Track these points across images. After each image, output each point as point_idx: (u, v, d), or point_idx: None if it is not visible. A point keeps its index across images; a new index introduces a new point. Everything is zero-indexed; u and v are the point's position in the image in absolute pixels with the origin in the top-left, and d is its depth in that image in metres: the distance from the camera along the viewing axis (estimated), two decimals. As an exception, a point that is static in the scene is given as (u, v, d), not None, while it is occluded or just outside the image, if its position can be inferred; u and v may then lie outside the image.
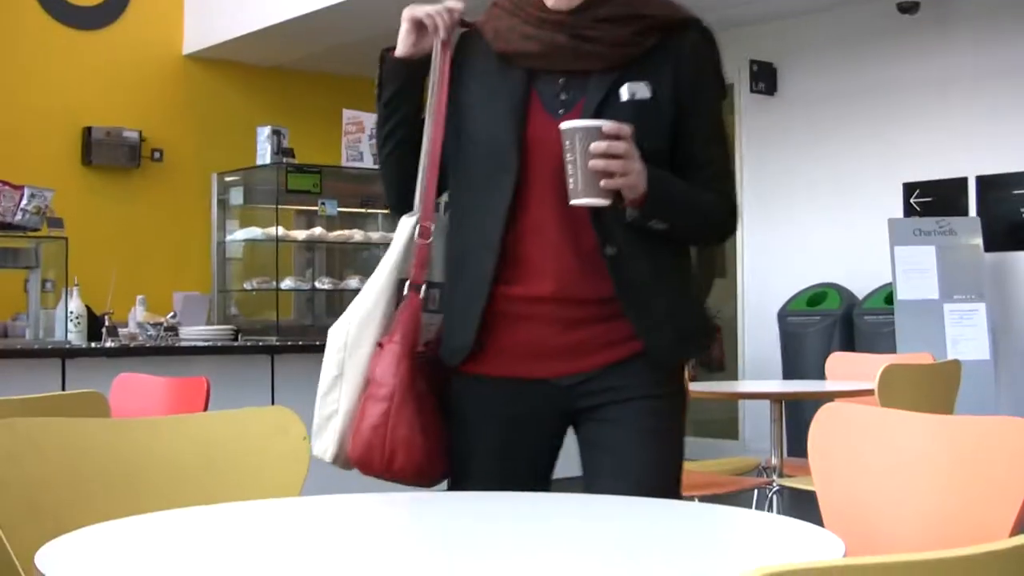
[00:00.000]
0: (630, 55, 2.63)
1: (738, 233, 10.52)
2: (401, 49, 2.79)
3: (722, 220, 2.73)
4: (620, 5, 2.65)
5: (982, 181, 9.06)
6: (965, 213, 9.06)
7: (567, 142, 2.44)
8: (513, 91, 2.66)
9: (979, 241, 8.75)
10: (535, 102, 2.65)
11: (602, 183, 2.44)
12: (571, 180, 2.45)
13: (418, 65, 2.77)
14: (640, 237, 2.58)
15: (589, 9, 2.65)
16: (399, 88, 2.82)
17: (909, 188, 9.42)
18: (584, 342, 2.61)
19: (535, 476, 2.66)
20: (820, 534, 1.77)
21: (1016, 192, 8.88)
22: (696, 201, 2.66)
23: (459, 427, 2.68)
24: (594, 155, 2.41)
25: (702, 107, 2.69)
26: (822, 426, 2.38)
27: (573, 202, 2.46)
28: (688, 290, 2.75)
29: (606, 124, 2.44)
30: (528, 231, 2.62)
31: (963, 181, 9.12)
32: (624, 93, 2.60)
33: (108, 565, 1.71)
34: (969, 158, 9.07)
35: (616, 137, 2.43)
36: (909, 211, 9.39)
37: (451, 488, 2.64)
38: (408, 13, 2.74)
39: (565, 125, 2.45)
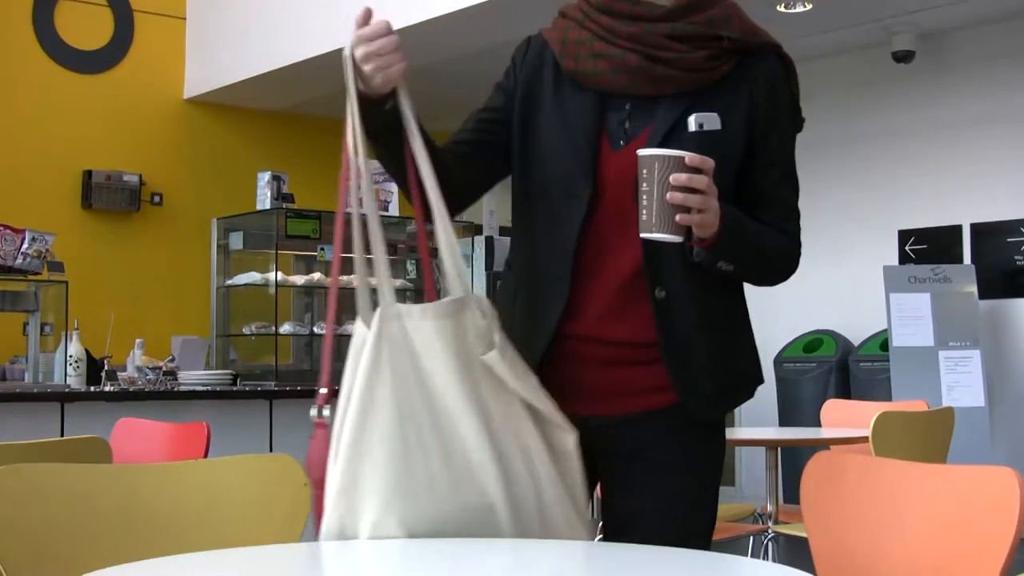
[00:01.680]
0: (702, 81, 2.48)
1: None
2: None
3: (787, 261, 2.59)
4: (698, 23, 2.48)
5: (976, 229, 9.11)
6: (960, 260, 9.11)
7: (644, 171, 2.26)
8: (584, 115, 2.51)
9: (974, 288, 8.79)
10: (601, 131, 2.50)
11: (677, 218, 2.26)
12: (644, 211, 2.27)
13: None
14: (693, 281, 2.46)
15: (667, 20, 2.48)
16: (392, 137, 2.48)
17: (904, 235, 9.47)
18: (623, 384, 2.48)
19: None
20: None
21: (1010, 240, 8.93)
22: (766, 243, 2.52)
23: None
24: (673, 187, 2.24)
25: (775, 143, 2.54)
26: (814, 474, 2.41)
27: (644, 235, 2.30)
28: (737, 337, 2.60)
29: (689, 155, 2.26)
30: (584, 266, 2.48)
31: (958, 228, 9.17)
32: (692, 124, 2.46)
33: None
34: (963, 206, 9.12)
35: (698, 170, 2.26)
36: (904, 258, 9.44)
37: None
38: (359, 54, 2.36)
39: (644, 152, 2.28)
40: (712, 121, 2.45)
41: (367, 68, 2.35)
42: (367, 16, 2.36)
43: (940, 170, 9.28)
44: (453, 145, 2.62)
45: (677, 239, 2.28)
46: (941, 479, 2.27)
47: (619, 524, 2.51)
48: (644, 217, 2.27)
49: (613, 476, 2.53)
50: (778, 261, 2.57)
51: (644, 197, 2.26)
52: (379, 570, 1.96)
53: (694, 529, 2.49)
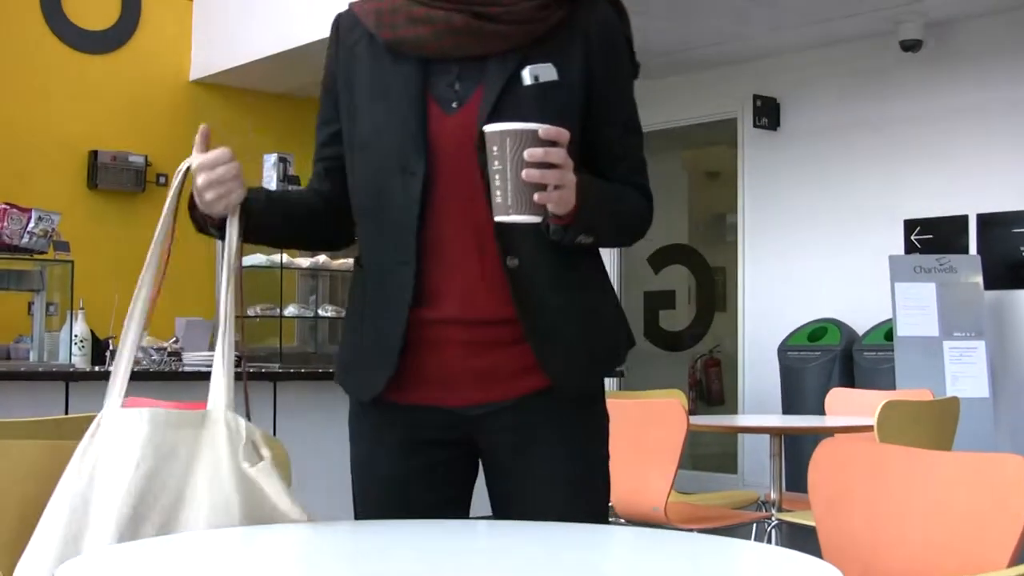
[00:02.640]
0: (533, 33, 2.31)
1: (739, 266, 10.64)
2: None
3: (643, 221, 2.45)
4: None
5: (982, 219, 9.10)
6: (965, 251, 9.10)
7: (494, 148, 2.07)
8: (407, 83, 2.32)
9: (979, 279, 8.79)
10: (428, 96, 2.31)
11: (536, 196, 2.09)
12: (497, 193, 2.09)
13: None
14: (546, 246, 2.27)
15: None
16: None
17: (910, 225, 9.46)
18: (493, 368, 2.32)
19: (448, 508, 2.42)
20: (820, 566, 1.80)
21: (1016, 230, 8.92)
22: (623, 208, 2.39)
23: (364, 458, 2.54)
24: (528, 163, 2.06)
25: (616, 91, 2.39)
26: (823, 460, 2.41)
27: (500, 218, 2.12)
28: (600, 300, 2.43)
29: (543, 127, 2.08)
30: (430, 244, 2.31)
31: (964, 219, 9.16)
32: (527, 77, 2.28)
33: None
34: (970, 196, 9.11)
35: (553, 143, 2.09)
36: (910, 248, 9.43)
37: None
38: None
39: (491, 128, 2.09)
40: (548, 72, 2.29)
41: (208, 196, 2.36)
42: (206, 138, 2.34)
43: (947, 160, 9.27)
44: (315, 184, 2.57)
45: (536, 219, 2.11)
46: (950, 466, 2.27)
47: (505, 513, 2.37)
48: (498, 199, 2.09)
49: (494, 465, 2.42)
50: (635, 223, 2.44)
51: (496, 177, 2.09)
52: (330, 551, 1.96)
53: (589, 510, 2.35)
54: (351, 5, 2.46)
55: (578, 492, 2.36)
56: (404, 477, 2.42)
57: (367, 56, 2.40)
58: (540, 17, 2.29)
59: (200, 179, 2.33)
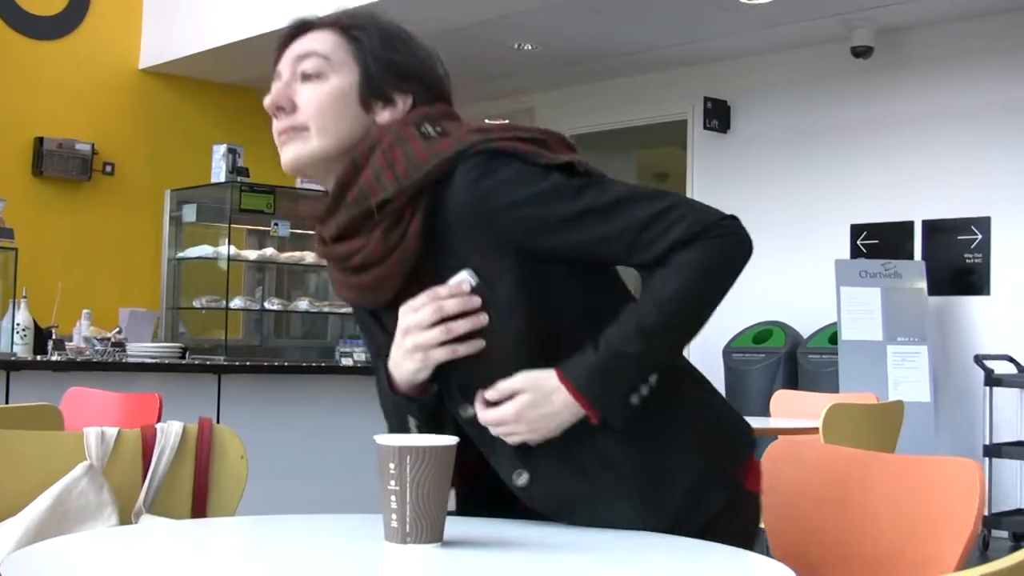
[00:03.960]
0: (407, 257, 2.07)
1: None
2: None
3: (697, 288, 2.06)
4: (352, 204, 2.09)
5: (928, 225, 9.18)
6: (911, 256, 9.17)
7: (390, 465, 1.82)
8: (376, 332, 2.23)
9: (923, 284, 8.86)
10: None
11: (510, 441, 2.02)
12: (393, 517, 1.83)
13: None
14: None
15: (328, 215, 2.14)
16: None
17: (856, 230, 9.52)
18: None
19: None
20: (772, 565, 1.80)
21: (961, 237, 9.00)
22: (648, 323, 2.03)
23: None
24: (427, 486, 1.82)
25: (546, 232, 2.04)
26: (771, 461, 2.42)
27: (395, 544, 1.84)
28: (672, 454, 2.11)
29: (481, 415, 2.04)
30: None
31: (910, 225, 9.23)
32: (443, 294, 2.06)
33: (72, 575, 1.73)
34: (916, 202, 9.19)
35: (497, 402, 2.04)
36: (856, 252, 9.50)
37: None
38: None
39: (384, 441, 1.84)
40: (462, 280, 2.05)
41: (417, 359, 2.08)
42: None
43: (894, 166, 9.34)
44: None
45: (436, 543, 1.84)
46: (900, 469, 2.29)
47: None
48: (393, 524, 1.83)
49: None
50: (687, 305, 2.05)
51: (392, 499, 1.82)
52: (320, 542, 1.95)
53: None
54: None
55: None
56: None
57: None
58: (395, 243, 2.06)
59: (409, 342, 2.08)
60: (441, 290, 2.03)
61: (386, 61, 2.18)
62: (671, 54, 10.26)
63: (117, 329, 7.75)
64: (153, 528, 2.24)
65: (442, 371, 2.08)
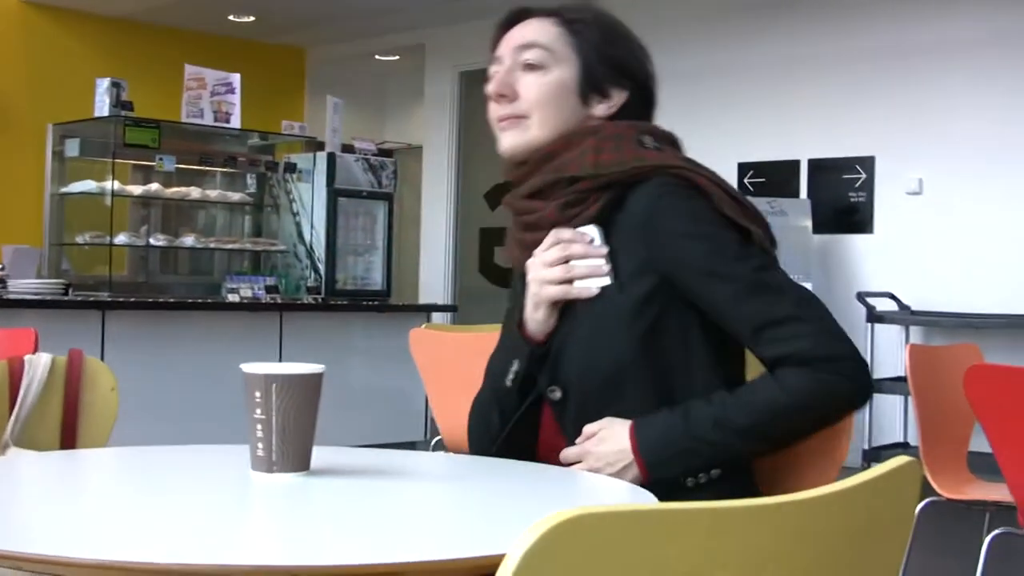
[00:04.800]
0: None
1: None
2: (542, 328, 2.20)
3: (806, 405, 2.03)
4: (549, 172, 2.19)
5: (813, 164, 9.28)
6: (796, 195, 9.28)
7: (256, 393, 1.83)
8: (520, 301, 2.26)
9: (808, 223, 8.97)
10: None
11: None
12: (259, 446, 1.83)
13: None
14: None
15: (521, 182, 2.25)
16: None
17: (743, 168, 9.61)
18: None
19: None
20: (637, 491, 1.83)
21: (845, 177, 9.11)
22: (731, 419, 2.03)
23: None
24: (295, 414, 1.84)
25: (690, 273, 2.09)
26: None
27: (260, 473, 1.84)
28: None
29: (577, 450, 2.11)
30: None
31: (795, 164, 9.33)
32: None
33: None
34: (802, 142, 9.28)
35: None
36: (743, 191, 9.58)
37: None
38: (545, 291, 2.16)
39: (250, 370, 1.84)
40: (589, 229, 2.15)
41: (532, 296, 2.19)
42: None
43: (781, 105, 9.42)
44: None
45: (303, 471, 1.85)
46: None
47: None
48: (260, 453, 1.83)
49: None
50: (778, 426, 2.05)
51: (258, 427, 1.82)
52: (192, 472, 1.95)
53: None
54: None
55: None
56: None
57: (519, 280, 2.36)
58: (568, 215, 2.16)
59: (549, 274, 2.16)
60: (565, 233, 2.12)
61: (606, 56, 2.24)
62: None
63: (0, 266, 7.63)
64: (19, 460, 2.22)
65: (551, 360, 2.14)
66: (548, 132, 2.21)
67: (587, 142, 2.17)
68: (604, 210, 2.13)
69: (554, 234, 2.13)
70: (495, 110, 2.25)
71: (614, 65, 2.24)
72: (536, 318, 2.16)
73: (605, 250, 2.10)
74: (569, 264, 2.11)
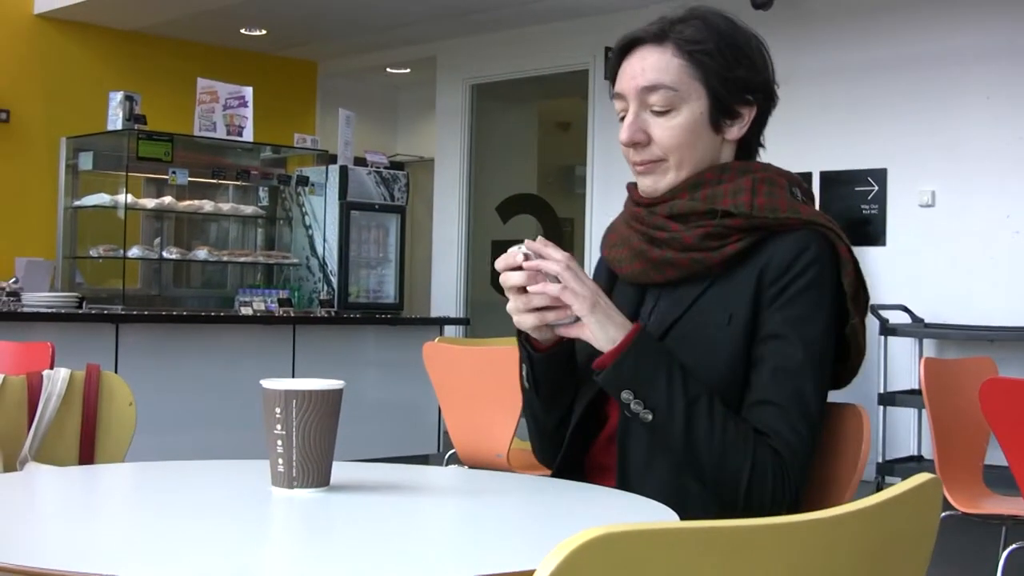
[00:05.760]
0: (706, 262, 2.13)
1: (587, 218, 10.74)
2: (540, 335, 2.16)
3: (733, 471, 2.00)
4: (698, 199, 2.17)
5: (826, 176, 9.28)
6: (808, 207, 9.26)
7: (276, 409, 1.85)
8: (625, 307, 2.21)
9: (821, 235, 8.95)
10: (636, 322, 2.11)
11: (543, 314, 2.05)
12: (280, 462, 1.86)
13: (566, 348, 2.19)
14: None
15: (669, 201, 2.20)
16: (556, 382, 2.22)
17: (756, 181, 9.60)
18: None
19: None
20: (655, 507, 1.83)
21: (857, 189, 9.11)
22: (706, 421, 2.00)
23: None
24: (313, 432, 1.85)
25: (771, 326, 2.09)
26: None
27: (280, 490, 1.86)
28: None
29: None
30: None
31: (807, 176, 9.33)
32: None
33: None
34: (814, 153, 9.27)
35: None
36: (755, 203, 9.58)
37: None
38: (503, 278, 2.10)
39: (270, 385, 1.86)
40: (514, 253, 2.06)
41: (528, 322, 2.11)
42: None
43: (792, 118, 9.41)
44: None
45: (323, 488, 1.86)
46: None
47: None
48: (280, 469, 1.85)
49: None
50: (715, 459, 2.00)
51: (279, 443, 1.84)
52: (213, 488, 1.95)
53: None
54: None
55: None
56: None
57: (604, 279, 2.37)
58: (707, 247, 2.13)
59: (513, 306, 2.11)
60: (499, 263, 2.06)
61: (732, 81, 2.20)
62: (572, 4, 10.26)
63: (13, 279, 7.66)
64: (38, 475, 2.23)
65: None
66: (687, 171, 2.19)
67: (742, 181, 2.16)
68: (744, 251, 2.12)
69: (500, 262, 2.05)
70: (630, 155, 2.23)
71: (741, 86, 2.21)
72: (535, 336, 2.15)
73: (554, 288, 2.01)
74: (526, 298, 2.04)
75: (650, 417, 1.98)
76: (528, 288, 2.03)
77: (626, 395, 1.99)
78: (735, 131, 2.22)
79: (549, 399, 2.20)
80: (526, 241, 2.04)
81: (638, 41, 2.26)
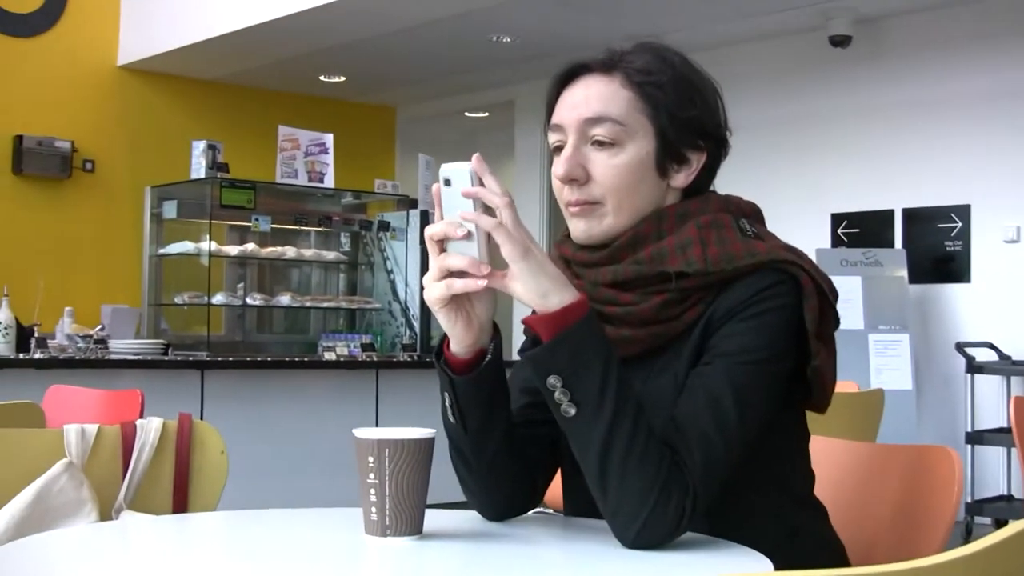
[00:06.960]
0: (668, 334, 1.96)
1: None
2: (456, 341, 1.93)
3: (647, 487, 1.78)
4: (643, 261, 1.96)
5: (908, 214, 9.20)
6: (891, 245, 9.19)
7: (369, 458, 1.82)
8: None
9: (904, 273, 8.88)
10: None
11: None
12: (373, 510, 1.83)
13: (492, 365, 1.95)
14: None
15: (609, 261, 2.00)
16: (486, 406, 1.97)
17: (837, 219, 9.54)
18: None
19: None
20: (750, 555, 1.81)
21: (940, 226, 9.03)
22: (632, 427, 1.80)
23: None
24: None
25: (717, 346, 1.92)
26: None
27: (375, 538, 1.84)
28: None
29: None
30: None
31: (890, 213, 9.25)
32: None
33: (53, 572, 1.72)
34: (896, 190, 9.20)
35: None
36: (836, 242, 9.52)
37: None
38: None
39: (363, 435, 1.83)
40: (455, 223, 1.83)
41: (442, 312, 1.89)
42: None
43: (873, 155, 9.35)
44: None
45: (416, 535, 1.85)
46: (880, 457, 2.30)
47: None
48: (373, 517, 1.83)
49: None
50: (618, 457, 1.79)
51: (372, 492, 1.82)
52: (302, 537, 1.95)
53: None
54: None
55: None
56: None
57: None
58: (667, 316, 1.95)
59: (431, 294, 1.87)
60: (434, 230, 1.82)
61: (683, 121, 2.02)
62: (650, 45, 10.25)
63: (99, 326, 7.74)
64: (133, 524, 2.25)
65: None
66: (627, 218, 1.99)
67: (686, 231, 1.96)
68: (707, 310, 1.93)
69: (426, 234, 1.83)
70: (564, 192, 2.02)
71: (692, 129, 2.02)
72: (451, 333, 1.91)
73: (488, 222, 1.79)
74: (445, 265, 1.82)
75: (573, 411, 1.78)
76: (447, 234, 1.80)
77: (553, 380, 1.79)
78: (681, 178, 2.04)
79: (478, 432, 1.94)
80: (474, 158, 1.79)
81: (583, 68, 2.04)
